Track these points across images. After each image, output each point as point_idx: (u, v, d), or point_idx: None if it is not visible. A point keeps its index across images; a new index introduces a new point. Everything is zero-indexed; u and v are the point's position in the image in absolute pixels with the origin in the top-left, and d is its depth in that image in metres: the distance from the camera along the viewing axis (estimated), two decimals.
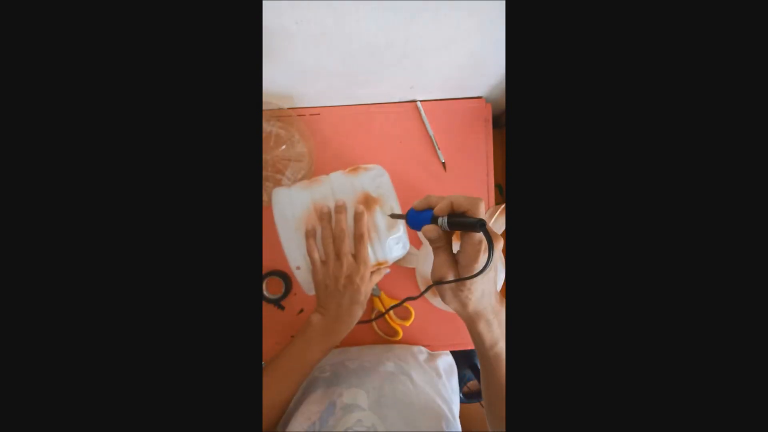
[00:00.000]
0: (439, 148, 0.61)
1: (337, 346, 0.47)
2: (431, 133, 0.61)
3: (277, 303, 0.61)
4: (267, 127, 0.57)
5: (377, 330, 0.62)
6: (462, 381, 0.60)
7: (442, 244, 0.34)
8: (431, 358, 0.59)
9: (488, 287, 0.33)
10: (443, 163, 0.61)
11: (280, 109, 0.57)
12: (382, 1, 0.35)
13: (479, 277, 0.31)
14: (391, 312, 0.61)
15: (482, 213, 0.31)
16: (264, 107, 0.56)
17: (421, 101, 0.61)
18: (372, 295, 0.61)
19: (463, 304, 0.33)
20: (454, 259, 0.33)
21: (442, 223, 0.32)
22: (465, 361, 0.62)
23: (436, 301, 0.60)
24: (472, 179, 0.61)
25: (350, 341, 0.61)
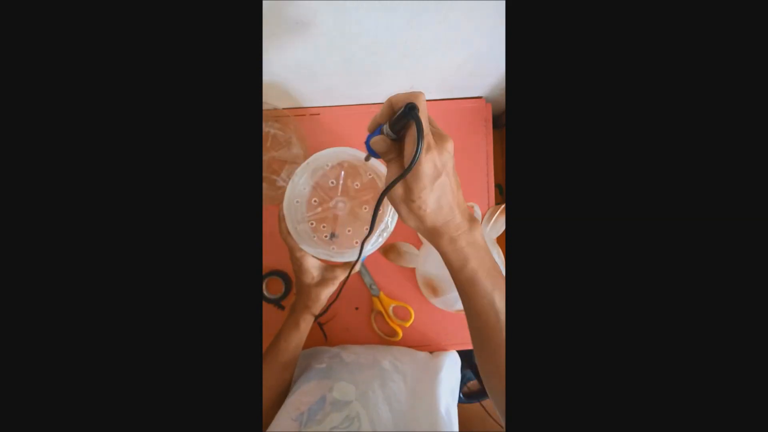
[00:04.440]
0: None
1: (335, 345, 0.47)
2: None
3: (277, 303, 0.61)
4: (264, 127, 0.57)
5: (377, 330, 0.62)
6: (462, 381, 0.60)
7: (393, 156, 0.31)
8: (432, 357, 0.59)
9: (445, 199, 0.30)
10: None
11: (276, 109, 0.57)
12: (382, 1, 0.35)
13: (429, 188, 0.29)
14: (391, 312, 0.61)
15: (420, 102, 0.28)
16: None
17: None
18: (371, 295, 0.61)
19: (420, 218, 0.31)
20: None
21: (387, 131, 0.30)
22: (465, 361, 0.63)
23: (436, 302, 0.60)
24: (472, 179, 0.61)
25: (349, 341, 0.62)
